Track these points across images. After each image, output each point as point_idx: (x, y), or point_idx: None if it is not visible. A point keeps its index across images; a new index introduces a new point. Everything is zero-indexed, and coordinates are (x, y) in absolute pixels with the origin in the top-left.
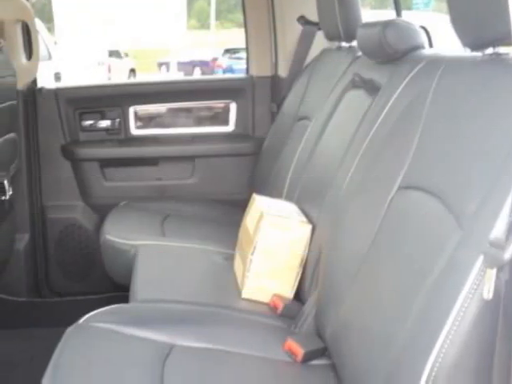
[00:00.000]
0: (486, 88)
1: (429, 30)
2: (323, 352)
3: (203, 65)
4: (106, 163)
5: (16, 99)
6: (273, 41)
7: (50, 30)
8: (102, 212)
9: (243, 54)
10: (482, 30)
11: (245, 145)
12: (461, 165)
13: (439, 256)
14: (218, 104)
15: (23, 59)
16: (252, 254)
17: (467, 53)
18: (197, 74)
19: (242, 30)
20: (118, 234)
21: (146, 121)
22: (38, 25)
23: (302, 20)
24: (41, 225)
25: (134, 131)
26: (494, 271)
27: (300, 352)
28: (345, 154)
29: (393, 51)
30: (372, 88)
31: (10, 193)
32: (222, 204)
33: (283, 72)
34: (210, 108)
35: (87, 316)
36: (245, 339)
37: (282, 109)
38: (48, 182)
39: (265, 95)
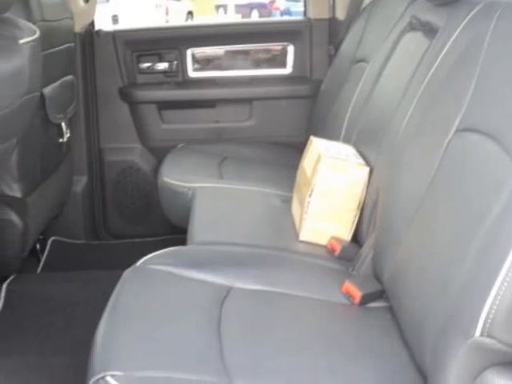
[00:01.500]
0: None
1: None
2: (381, 294)
3: (261, 7)
4: (163, 105)
5: (74, 42)
6: None
7: None
8: (159, 154)
9: None
10: None
11: (302, 87)
12: None
13: (497, 198)
14: (276, 46)
15: (81, 2)
16: (310, 196)
17: None
18: (254, 17)
19: None
20: (176, 176)
21: (204, 63)
22: None
23: None
24: (98, 167)
25: (192, 73)
26: None
27: (358, 294)
28: (402, 97)
29: None
30: (429, 30)
31: (68, 135)
32: (280, 146)
33: (341, 14)
34: (267, 50)
35: (145, 258)
36: (302, 281)
37: (339, 51)
38: (106, 125)
39: (322, 38)
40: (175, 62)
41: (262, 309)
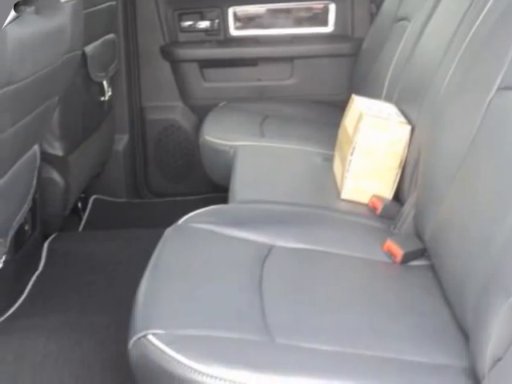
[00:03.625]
0: None
1: None
2: (422, 253)
3: None
4: (205, 64)
5: (115, 0)
6: None
7: None
8: (200, 113)
9: None
10: None
11: (344, 45)
12: None
13: None
14: (317, 5)
15: None
16: (351, 154)
17: None
18: None
19: None
20: (217, 134)
21: (245, 21)
22: None
23: None
24: (140, 126)
25: (234, 32)
26: None
27: (399, 253)
28: (444, 55)
29: None
30: None
31: (110, 94)
32: (321, 105)
33: None
34: (309, 9)
35: (186, 217)
36: (344, 240)
37: (380, 10)
38: (147, 83)
39: None
40: (217, 21)
41: (303, 267)
